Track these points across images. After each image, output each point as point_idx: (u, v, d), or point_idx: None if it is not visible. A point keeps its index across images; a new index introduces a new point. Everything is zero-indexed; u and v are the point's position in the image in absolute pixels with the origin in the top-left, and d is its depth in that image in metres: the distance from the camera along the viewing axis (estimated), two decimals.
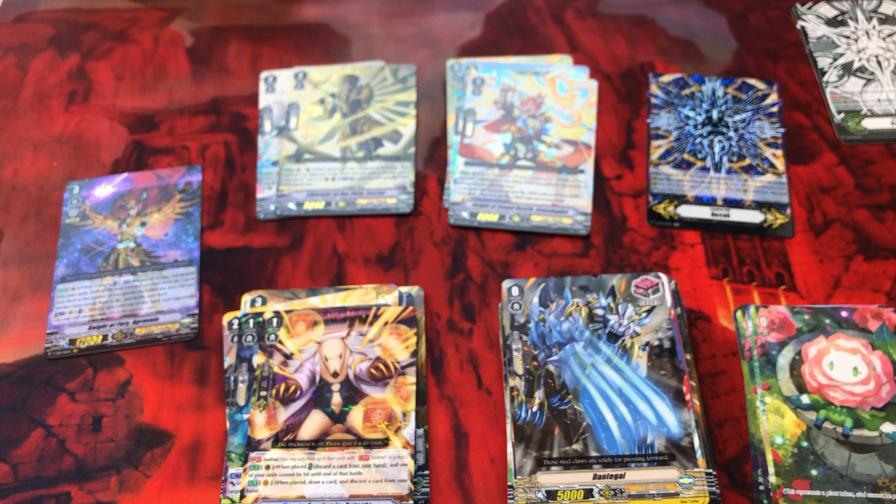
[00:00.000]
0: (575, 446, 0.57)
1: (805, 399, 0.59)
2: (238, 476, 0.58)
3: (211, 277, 0.69)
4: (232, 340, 0.64)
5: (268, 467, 0.58)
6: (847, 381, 0.59)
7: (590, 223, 0.70)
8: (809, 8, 0.82)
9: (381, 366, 0.62)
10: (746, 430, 0.59)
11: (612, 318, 0.62)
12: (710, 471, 0.56)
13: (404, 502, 0.56)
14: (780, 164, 0.72)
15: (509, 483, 0.57)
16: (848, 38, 0.79)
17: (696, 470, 0.56)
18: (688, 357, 0.61)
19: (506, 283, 0.65)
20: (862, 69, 0.77)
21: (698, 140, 0.73)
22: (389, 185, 0.73)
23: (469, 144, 0.74)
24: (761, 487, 0.57)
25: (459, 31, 0.83)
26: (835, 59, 0.78)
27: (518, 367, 0.61)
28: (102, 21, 0.86)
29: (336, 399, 0.61)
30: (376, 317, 0.64)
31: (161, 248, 0.70)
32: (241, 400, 0.61)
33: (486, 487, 0.58)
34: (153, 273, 0.69)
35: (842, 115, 0.74)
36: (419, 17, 0.85)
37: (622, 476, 0.56)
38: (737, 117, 0.75)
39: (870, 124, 0.74)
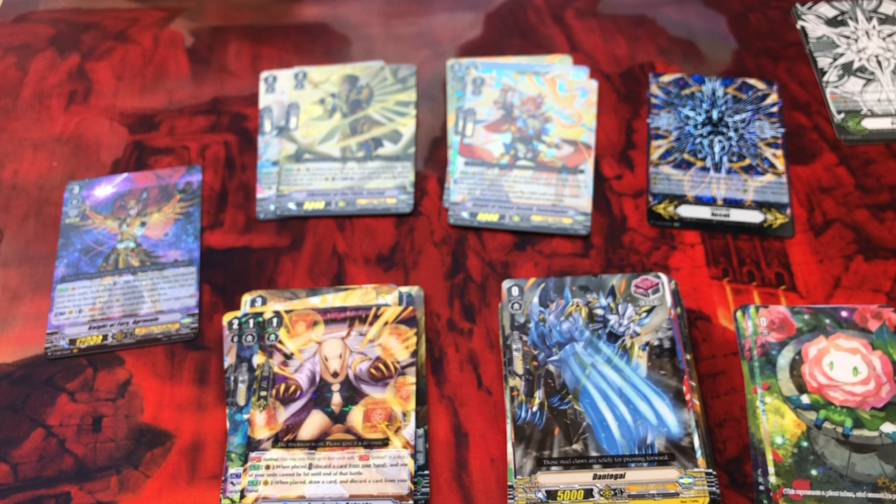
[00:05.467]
0: (575, 446, 0.57)
1: (805, 399, 0.59)
2: (238, 476, 0.58)
3: (211, 277, 0.69)
4: (232, 340, 0.64)
5: (268, 467, 0.58)
6: (847, 381, 0.59)
7: (590, 223, 0.70)
8: (809, 8, 0.82)
9: (381, 366, 0.62)
10: (746, 430, 0.59)
11: (612, 318, 0.62)
12: (710, 471, 0.56)
13: (404, 502, 0.56)
14: (780, 164, 0.72)
15: (509, 483, 0.57)
16: (848, 38, 0.79)
17: (696, 470, 0.56)
18: (688, 357, 0.61)
19: (506, 283, 0.65)
20: (862, 69, 0.77)
21: (698, 140, 0.73)
22: (389, 185, 0.73)
23: (469, 144, 0.74)
24: (761, 487, 0.57)
25: (459, 31, 0.83)
26: (835, 59, 0.78)
27: (518, 367, 0.61)
28: (102, 21, 0.86)
29: (336, 399, 0.61)
30: (376, 317, 0.64)
31: (161, 248, 0.70)
32: (241, 400, 0.61)
33: (486, 487, 0.58)
34: (153, 273, 0.69)
35: (842, 115, 0.74)
36: (419, 17, 0.85)
37: (622, 476, 0.56)
38: (737, 117, 0.75)
39: (870, 124, 0.74)
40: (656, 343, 0.61)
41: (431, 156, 0.75)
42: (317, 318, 0.64)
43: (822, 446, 0.57)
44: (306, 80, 0.79)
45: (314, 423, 0.60)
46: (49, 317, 0.67)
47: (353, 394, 0.61)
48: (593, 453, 0.57)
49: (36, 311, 0.68)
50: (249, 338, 0.64)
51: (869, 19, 0.80)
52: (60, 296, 0.68)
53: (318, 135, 0.76)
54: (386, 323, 0.64)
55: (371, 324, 0.64)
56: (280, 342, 0.63)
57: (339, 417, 0.60)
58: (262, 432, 0.59)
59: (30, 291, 0.69)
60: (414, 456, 0.58)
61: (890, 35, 0.79)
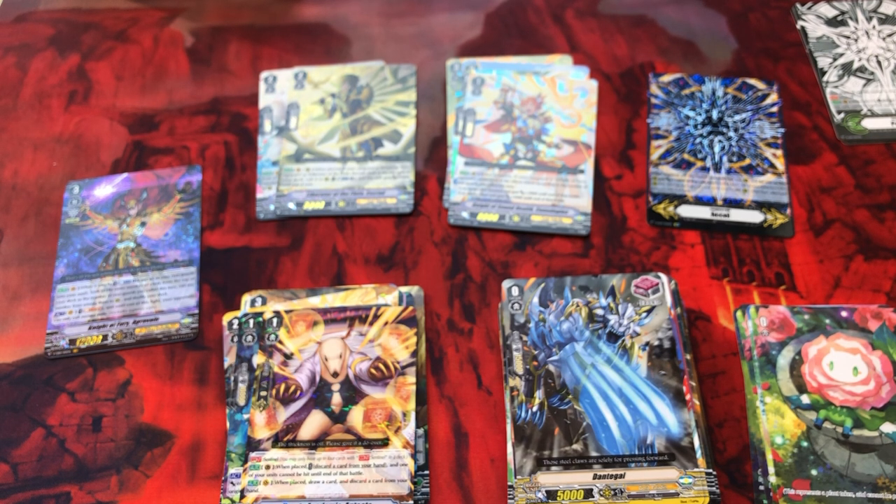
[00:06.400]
0: (575, 446, 0.57)
1: (805, 399, 0.59)
2: (238, 476, 0.58)
3: (211, 277, 0.69)
4: (232, 340, 0.64)
5: (268, 467, 0.58)
6: (847, 381, 0.59)
7: (590, 223, 0.70)
8: (809, 8, 0.82)
9: (381, 366, 0.62)
10: (746, 430, 0.59)
11: (612, 318, 0.62)
12: (710, 471, 0.56)
13: (404, 502, 0.56)
14: (780, 164, 0.72)
15: (509, 483, 0.57)
16: (848, 38, 0.79)
17: (696, 470, 0.56)
18: (688, 357, 0.61)
19: (506, 283, 0.65)
20: (862, 69, 0.77)
21: (698, 140, 0.73)
22: (389, 185, 0.73)
23: (469, 144, 0.74)
24: (761, 487, 0.57)
25: (459, 31, 0.83)
26: (835, 59, 0.78)
27: (518, 367, 0.61)
28: (102, 21, 0.86)
29: (336, 399, 0.61)
30: (376, 317, 0.64)
31: (161, 248, 0.70)
32: (241, 400, 0.61)
33: (486, 487, 0.58)
34: (153, 273, 0.69)
35: (842, 115, 0.74)
36: (419, 17, 0.85)
37: (622, 476, 0.56)
38: (737, 117, 0.75)
39: (870, 124, 0.74)
40: (656, 343, 0.61)
41: (431, 156, 0.75)
42: (317, 318, 0.64)
43: (822, 446, 0.57)
44: (306, 80, 0.79)
45: (314, 423, 0.60)
46: (49, 317, 0.67)
47: (353, 394, 0.61)
48: (593, 453, 0.57)
49: (36, 311, 0.68)
50: (249, 338, 0.64)
51: (869, 19, 0.80)
52: (60, 296, 0.68)
53: (318, 135, 0.76)
54: (386, 323, 0.64)
55: (371, 324, 0.64)
56: (280, 342, 0.63)
57: (339, 417, 0.60)
58: (262, 432, 0.59)
59: (30, 291, 0.69)
60: (414, 456, 0.58)
61: (890, 35, 0.79)
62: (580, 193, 0.71)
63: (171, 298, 0.67)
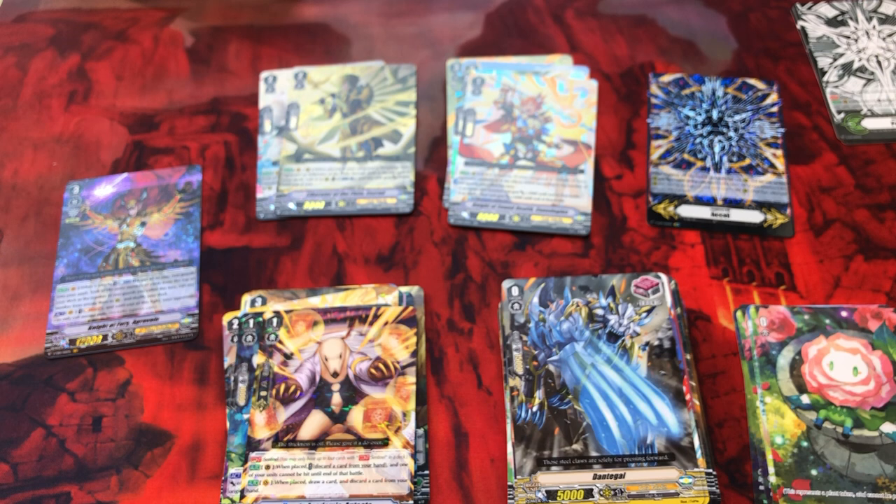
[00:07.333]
0: (575, 446, 0.57)
1: (805, 399, 0.59)
2: (238, 476, 0.58)
3: (211, 277, 0.69)
4: (232, 340, 0.64)
5: (268, 467, 0.58)
6: (847, 381, 0.59)
7: (590, 223, 0.70)
8: (809, 8, 0.82)
9: (381, 366, 0.62)
10: (746, 430, 0.59)
11: (612, 318, 0.62)
12: (710, 471, 0.56)
13: (404, 502, 0.56)
14: (780, 164, 0.72)
15: (509, 483, 0.57)
16: (848, 38, 0.79)
17: (696, 470, 0.56)
18: (688, 357, 0.61)
19: (506, 283, 0.65)
20: (862, 69, 0.77)
21: (698, 140, 0.73)
22: (389, 185, 0.73)
23: (469, 144, 0.74)
24: (761, 487, 0.57)
25: (459, 31, 0.83)
26: (835, 59, 0.78)
27: (518, 367, 0.61)
28: (102, 21, 0.86)
29: (336, 399, 0.61)
30: (376, 317, 0.64)
31: (161, 248, 0.70)
32: (241, 400, 0.61)
33: (486, 487, 0.58)
34: (153, 273, 0.69)
35: (842, 115, 0.74)
36: (419, 17, 0.85)
37: (622, 476, 0.56)
38: (737, 117, 0.75)
39: (870, 124, 0.74)
40: (656, 343, 0.61)
41: (431, 156, 0.75)
42: (317, 318, 0.64)
43: (822, 446, 0.57)
44: (306, 80, 0.79)
45: (314, 423, 0.60)
46: (49, 317, 0.67)
47: (353, 394, 0.61)
48: (593, 453, 0.57)
49: (36, 311, 0.68)
50: (249, 338, 0.64)
51: (869, 19, 0.80)
52: (60, 296, 0.68)
53: (318, 135, 0.76)
54: (386, 323, 0.64)
55: (371, 324, 0.64)
56: (280, 342, 0.63)
57: (339, 417, 0.60)
58: (262, 432, 0.59)
59: (30, 291, 0.69)
60: (414, 456, 0.58)
61: (890, 35, 0.79)
62: (580, 193, 0.71)
63: (171, 298, 0.67)
